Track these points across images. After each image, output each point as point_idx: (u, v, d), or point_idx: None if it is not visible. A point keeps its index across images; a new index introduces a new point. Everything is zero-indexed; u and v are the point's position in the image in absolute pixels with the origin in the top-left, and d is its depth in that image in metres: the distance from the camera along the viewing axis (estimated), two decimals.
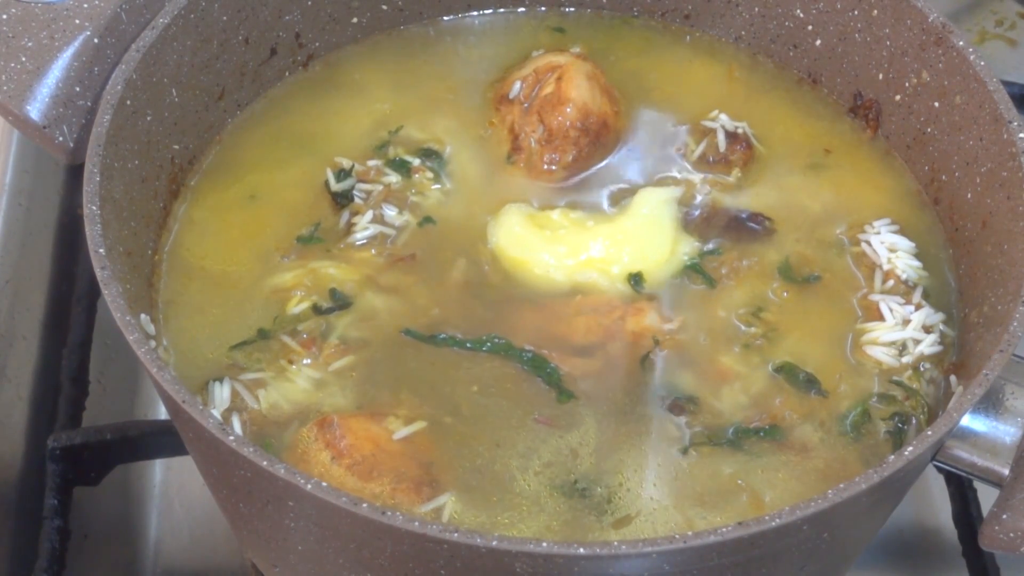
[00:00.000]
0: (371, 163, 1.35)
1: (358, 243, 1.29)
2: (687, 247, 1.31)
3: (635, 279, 1.27)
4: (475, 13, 1.52)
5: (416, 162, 1.36)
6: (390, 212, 1.31)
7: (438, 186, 1.35)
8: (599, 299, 1.26)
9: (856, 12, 1.39)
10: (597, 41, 1.50)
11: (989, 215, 1.24)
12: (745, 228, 1.33)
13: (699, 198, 1.35)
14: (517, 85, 1.40)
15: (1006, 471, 1.11)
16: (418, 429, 1.14)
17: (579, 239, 1.29)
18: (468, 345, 1.22)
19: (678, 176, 1.37)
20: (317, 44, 1.46)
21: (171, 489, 1.54)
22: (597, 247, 1.29)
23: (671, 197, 1.34)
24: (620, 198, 1.35)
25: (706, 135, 1.39)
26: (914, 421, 1.19)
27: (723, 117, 1.40)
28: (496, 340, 1.22)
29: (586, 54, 1.44)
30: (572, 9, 1.54)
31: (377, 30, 1.49)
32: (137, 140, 1.24)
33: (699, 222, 1.33)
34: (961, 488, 1.44)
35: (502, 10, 1.53)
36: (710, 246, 1.31)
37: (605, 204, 1.34)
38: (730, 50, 1.50)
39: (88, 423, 1.47)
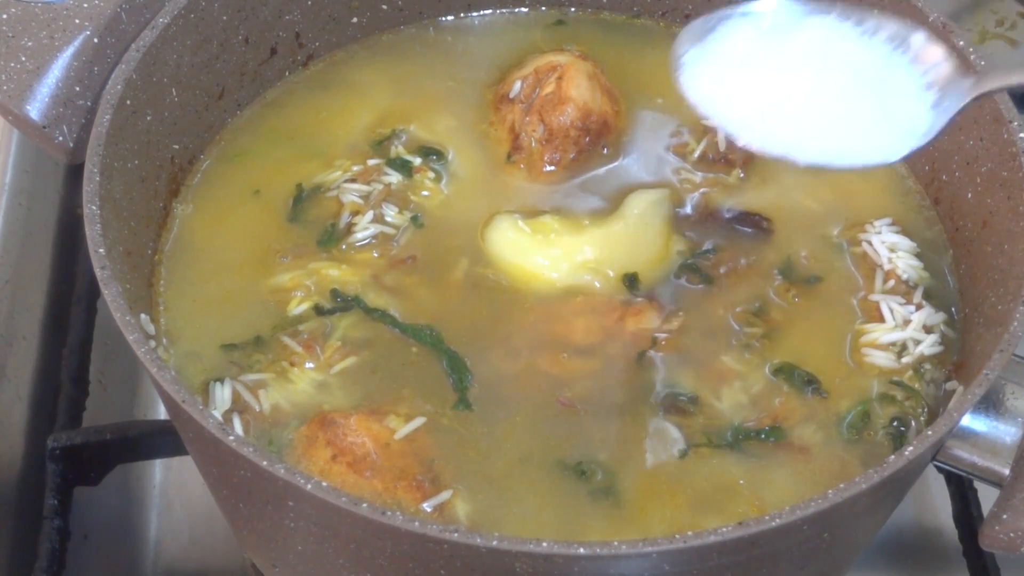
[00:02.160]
0: (371, 162, 1.35)
1: (358, 244, 1.29)
2: (681, 247, 1.30)
3: (630, 280, 1.27)
4: (475, 13, 1.52)
5: (417, 161, 1.35)
6: (390, 212, 1.31)
7: (439, 185, 1.35)
8: (599, 300, 1.26)
9: None
10: (597, 41, 1.50)
11: (989, 215, 1.24)
12: (742, 227, 1.33)
13: (693, 197, 1.35)
14: (517, 85, 1.40)
15: (1006, 471, 1.11)
16: (418, 426, 1.14)
17: (572, 242, 1.29)
18: (397, 329, 1.22)
19: (678, 175, 1.37)
20: (317, 44, 1.45)
21: (171, 489, 1.54)
22: (590, 249, 1.29)
23: (662, 197, 1.33)
24: (620, 198, 1.34)
25: (706, 134, 1.39)
26: (914, 422, 1.19)
27: None
28: (431, 331, 1.22)
29: (586, 54, 1.44)
30: (573, 9, 1.54)
31: (377, 30, 1.49)
32: (137, 140, 1.24)
33: (694, 221, 1.33)
34: (961, 488, 1.44)
35: (502, 10, 1.53)
36: (706, 245, 1.31)
37: (605, 204, 1.34)
38: None
39: (88, 423, 1.47)
